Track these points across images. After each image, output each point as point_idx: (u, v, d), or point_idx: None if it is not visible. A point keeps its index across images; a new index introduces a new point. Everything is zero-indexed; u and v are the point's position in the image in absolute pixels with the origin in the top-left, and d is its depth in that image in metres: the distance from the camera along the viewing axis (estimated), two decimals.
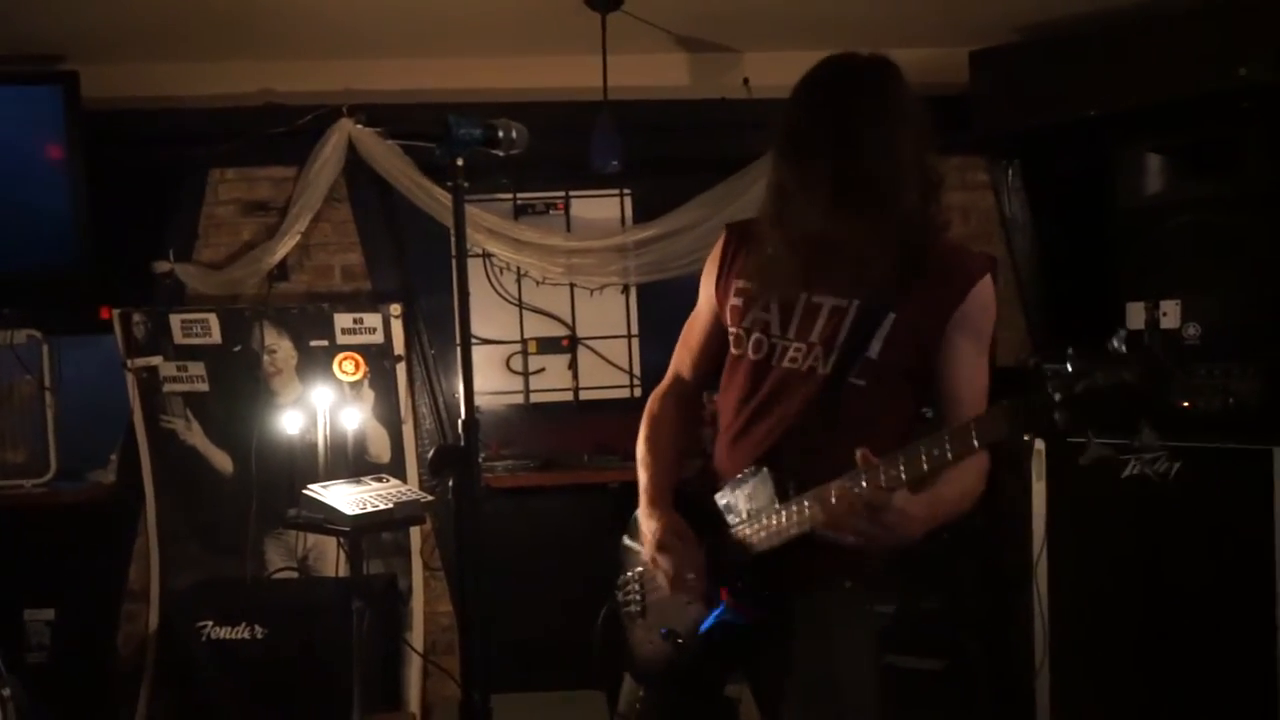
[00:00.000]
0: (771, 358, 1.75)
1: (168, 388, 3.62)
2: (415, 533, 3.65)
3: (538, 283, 3.84)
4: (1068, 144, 3.53)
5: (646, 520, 1.80)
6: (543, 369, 3.88)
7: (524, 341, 3.88)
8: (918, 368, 1.68)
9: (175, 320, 3.59)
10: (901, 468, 1.47)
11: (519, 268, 3.81)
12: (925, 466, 1.45)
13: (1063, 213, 3.65)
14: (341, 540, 3.01)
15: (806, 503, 1.60)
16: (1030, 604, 3.06)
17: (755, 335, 1.77)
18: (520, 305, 3.88)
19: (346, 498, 2.84)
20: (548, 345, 3.87)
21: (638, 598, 1.86)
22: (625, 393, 3.87)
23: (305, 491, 2.88)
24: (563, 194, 3.86)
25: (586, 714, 3.24)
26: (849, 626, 1.73)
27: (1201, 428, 2.80)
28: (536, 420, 3.87)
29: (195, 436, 3.63)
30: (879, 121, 1.60)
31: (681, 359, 1.97)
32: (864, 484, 1.49)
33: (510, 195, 3.84)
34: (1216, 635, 2.76)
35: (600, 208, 3.86)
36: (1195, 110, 3.09)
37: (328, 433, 3.22)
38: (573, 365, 3.88)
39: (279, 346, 3.63)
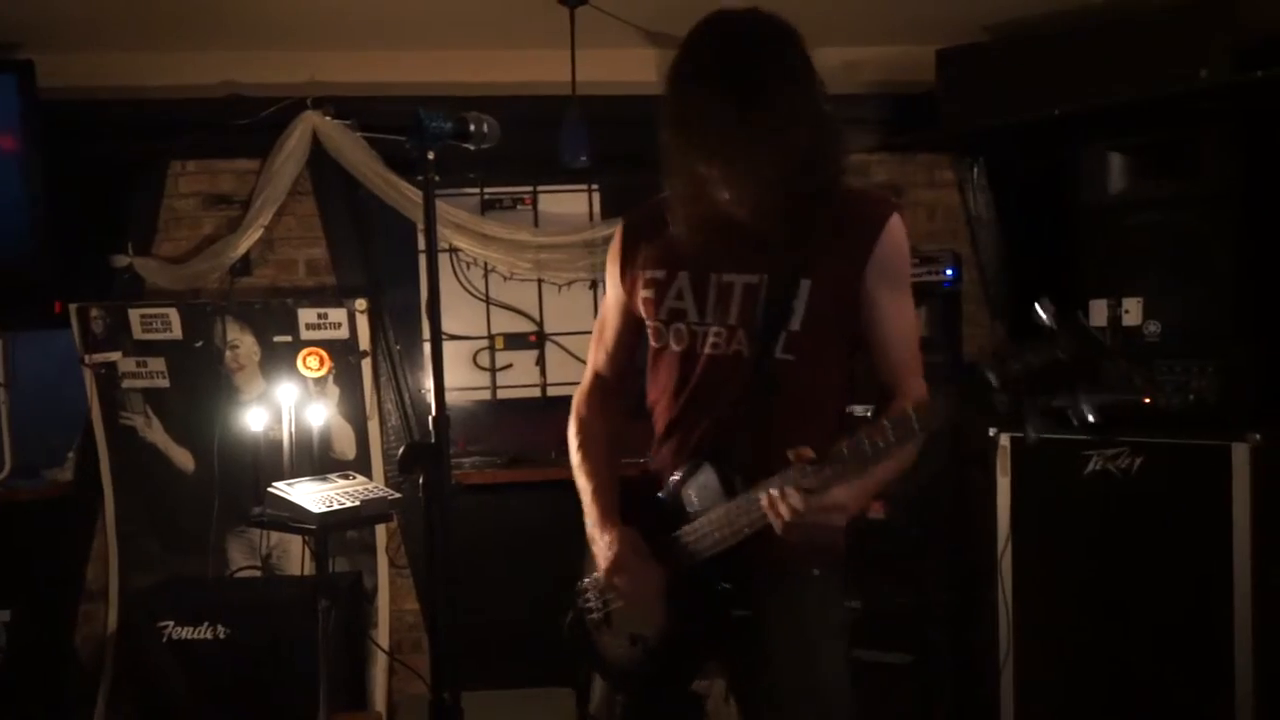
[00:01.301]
0: (695, 345, 1.72)
1: (127, 384, 3.56)
2: (381, 530, 3.62)
3: (505, 278, 3.82)
4: (1032, 143, 3.56)
5: (599, 538, 1.76)
6: (510, 365, 3.85)
7: (491, 337, 3.85)
8: (844, 328, 1.66)
9: (134, 315, 3.53)
10: (843, 463, 1.48)
11: (486, 263, 3.78)
12: (867, 462, 1.46)
13: (1027, 211, 3.69)
14: (307, 539, 2.97)
15: (753, 498, 1.58)
16: (995, 598, 3.09)
17: (675, 325, 1.73)
18: (487, 301, 3.85)
19: (312, 495, 2.81)
20: (515, 341, 3.85)
21: (599, 605, 1.84)
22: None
23: (270, 489, 2.84)
24: (531, 189, 3.84)
25: (556, 711, 3.23)
26: (822, 615, 1.72)
27: (1162, 424, 2.85)
28: (504, 416, 3.85)
29: (155, 433, 3.57)
30: (767, 77, 1.51)
31: (598, 357, 1.93)
32: (799, 483, 1.50)
33: (477, 190, 3.81)
34: (1177, 628, 2.80)
35: (568, 203, 3.84)
36: (1157, 111, 3.13)
37: (293, 430, 3.17)
38: (540, 361, 3.86)
39: (241, 342, 3.58)
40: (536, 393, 3.85)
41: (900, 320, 1.67)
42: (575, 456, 1.86)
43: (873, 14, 3.38)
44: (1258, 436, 2.69)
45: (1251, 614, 2.68)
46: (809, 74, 1.56)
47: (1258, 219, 3.18)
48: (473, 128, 1.66)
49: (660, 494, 1.76)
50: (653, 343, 1.79)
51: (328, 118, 3.42)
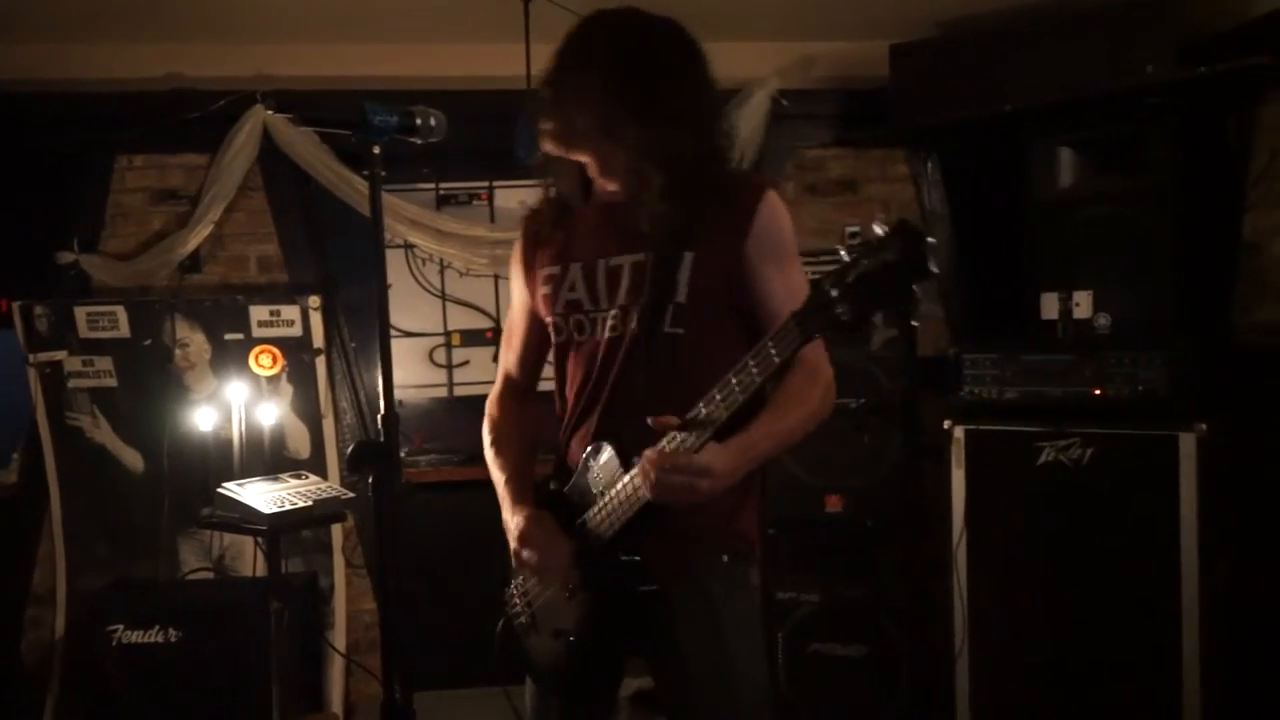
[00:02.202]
0: (593, 333, 1.74)
1: (73, 383, 3.48)
2: (337, 530, 3.58)
3: (461, 274, 3.79)
4: (984, 138, 3.59)
5: (509, 518, 1.79)
6: (466, 361, 3.83)
7: (447, 334, 3.82)
8: (731, 300, 1.67)
9: (80, 313, 3.45)
10: (704, 415, 1.49)
11: (442, 259, 3.75)
12: (739, 396, 1.45)
13: (980, 205, 3.72)
14: (259, 540, 2.93)
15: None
16: (951, 590, 3.12)
17: (574, 317, 1.77)
18: (443, 297, 3.82)
19: (264, 496, 2.77)
20: (472, 337, 3.82)
21: (525, 607, 1.85)
22: (550, 384, 3.84)
23: (220, 490, 2.79)
24: (487, 184, 3.81)
25: (513, 710, 3.21)
26: (731, 601, 1.72)
27: (1112, 415, 2.90)
28: (461, 413, 3.82)
29: (103, 434, 3.49)
30: (636, 70, 1.61)
31: (508, 360, 1.98)
32: (663, 448, 1.51)
33: (432, 185, 3.78)
34: (1127, 615, 2.85)
35: (524, 197, 3.81)
36: (1105, 106, 3.17)
37: (243, 429, 3.12)
38: (498, 358, 3.82)
39: (191, 340, 3.52)
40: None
41: (789, 293, 1.63)
42: (488, 454, 1.89)
43: (827, 10, 3.39)
44: (1204, 426, 2.75)
45: (1199, 599, 2.73)
46: (690, 67, 1.66)
47: (1202, 212, 3.25)
48: (419, 122, 1.64)
49: (566, 487, 1.78)
50: (555, 338, 1.82)
51: (268, 112, 3.37)
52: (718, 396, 1.48)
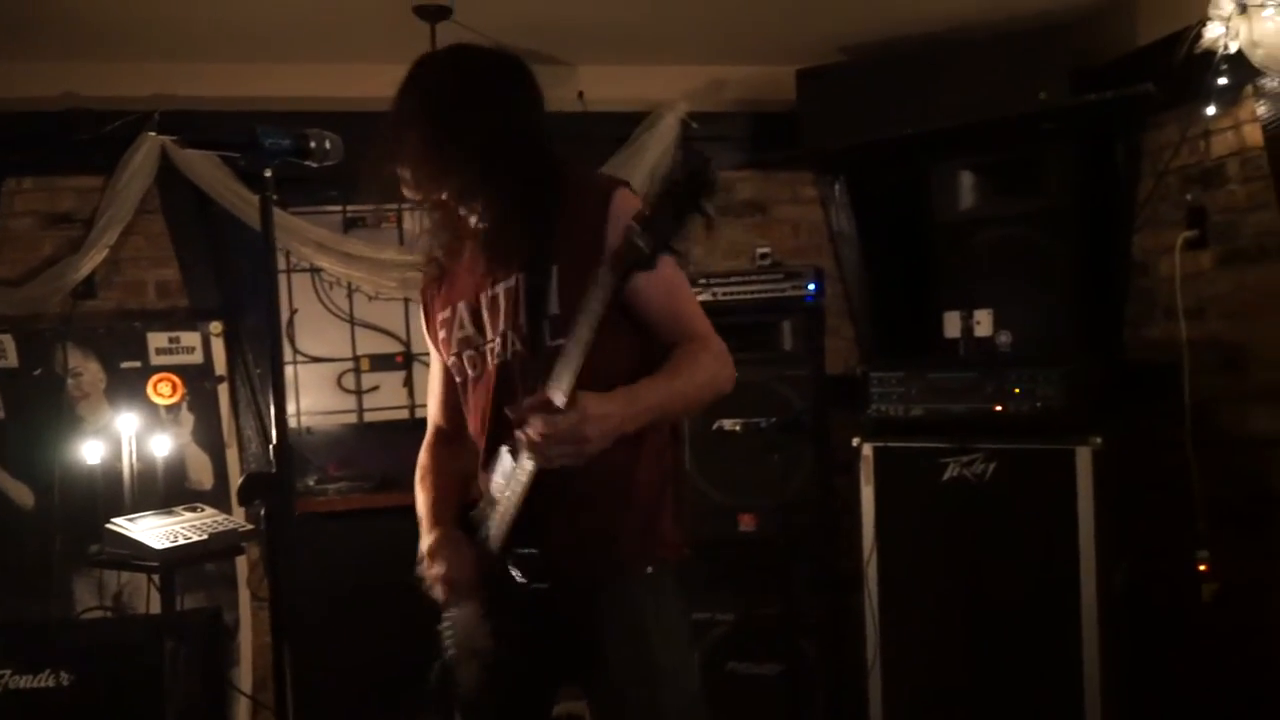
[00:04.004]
0: (485, 364, 1.78)
1: None
2: (242, 563, 3.47)
3: (370, 298, 3.73)
4: (889, 161, 3.68)
5: (423, 539, 1.81)
6: (377, 387, 3.76)
7: (356, 359, 3.75)
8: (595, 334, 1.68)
9: None
10: (564, 373, 1.51)
11: (350, 282, 3.68)
12: (578, 352, 1.49)
13: (886, 226, 3.81)
14: (152, 576, 2.82)
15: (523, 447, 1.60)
16: (863, 605, 3.16)
17: (467, 354, 1.81)
18: (352, 321, 3.75)
19: (155, 531, 2.67)
20: (381, 362, 3.76)
21: (452, 642, 1.83)
22: None
23: (109, 526, 2.68)
24: (395, 207, 3.75)
25: None
26: (660, 612, 1.73)
27: (1013, 430, 2.98)
28: (371, 440, 3.75)
29: None
30: (446, 113, 1.67)
31: (433, 411, 2.01)
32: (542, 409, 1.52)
33: (340, 208, 3.71)
34: (1030, 625, 2.92)
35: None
36: (1003, 130, 3.28)
37: (134, 461, 3.01)
38: (408, 382, 3.77)
39: (85, 369, 3.38)
40: (405, 414, 3.77)
41: (659, 285, 1.66)
42: (417, 491, 1.92)
43: (734, 35, 3.44)
44: (1098, 440, 2.83)
45: (1097, 608, 2.81)
46: (506, 92, 1.71)
47: (1095, 233, 3.37)
48: (313, 144, 1.61)
49: (474, 511, 1.79)
50: (456, 378, 1.85)
51: (149, 133, 3.27)
52: (560, 365, 1.52)
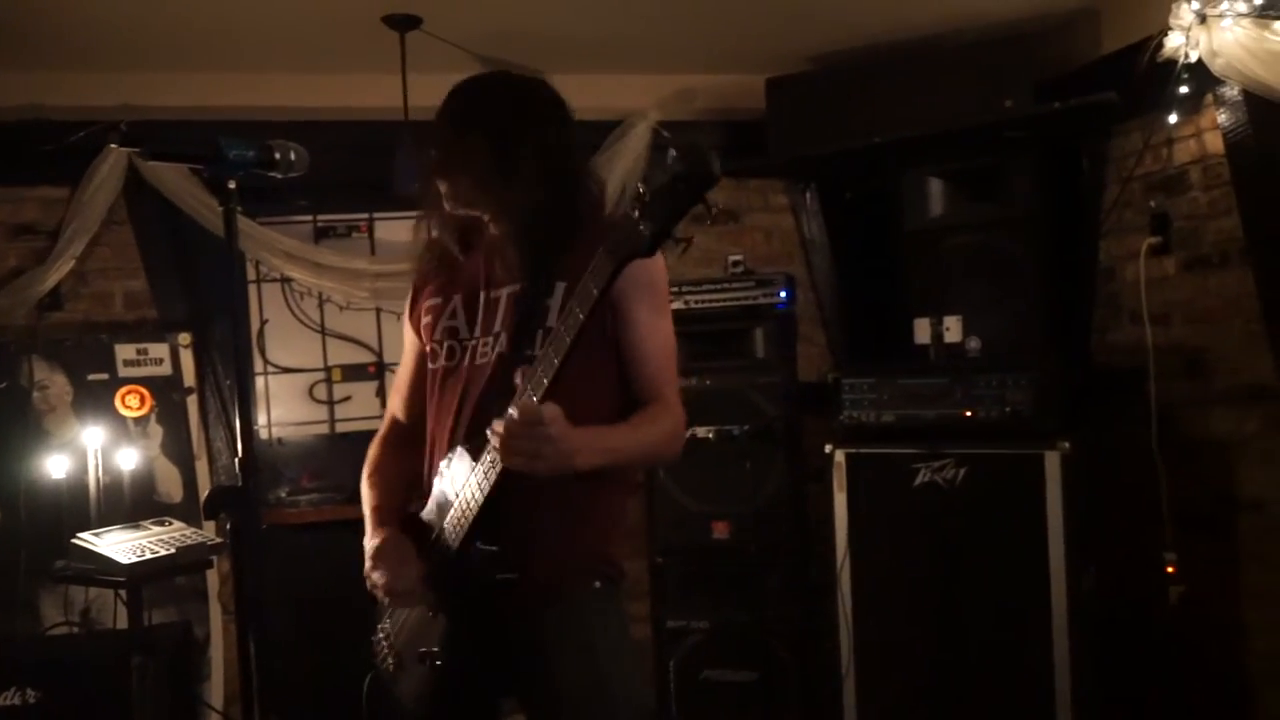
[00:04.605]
0: (463, 360, 1.79)
1: None
2: (213, 576, 3.43)
3: (341, 308, 3.71)
4: (860, 168, 3.71)
5: (367, 542, 1.80)
6: (349, 397, 3.74)
7: (328, 369, 3.73)
8: (600, 330, 1.70)
9: None
10: (551, 356, 1.52)
11: (321, 293, 3.66)
12: (567, 339, 1.50)
13: (856, 234, 3.84)
14: (119, 591, 2.78)
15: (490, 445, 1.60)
16: (836, 611, 3.17)
17: (448, 343, 1.82)
18: (323, 331, 3.73)
19: (122, 545, 2.63)
20: (353, 372, 3.74)
21: (389, 649, 1.83)
22: None
23: (74, 540, 2.65)
24: (366, 216, 3.74)
25: None
26: (606, 626, 1.74)
27: (983, 435, 3.00)
28: (344, 450, 3.73)
29: None
30: (514, 130, 1.73)
31: (394, 403, 2.01)
32: (513, 406, 1.54)
33: (310, 218, 3.69)
34: (1002, 628, 2.94)
35: (406, 230, 3.69)
36: (970, 139, 3.31)
37: (100, 474, 2.97)
38: (380, 392, 3.75)
39: (52, 382, 3.34)
40: (378, 425, 3.71)
41: (656, 337, 1.74)
42: (362, 488, 1.92)
43: (703, 44, 3.45)
44: (1067, 444, 2.86)
45: (1067, 610, 2.84)
46: (561, 121, 1.79)
47: (1062, 240, 3.41)
48: (278, 155, 1.60)
49: (424, 510, 1.79)
50: (429, 365, 1.85)
51: (112, 145, 3.24)
52: (550, 348, 1.53)
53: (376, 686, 1.84)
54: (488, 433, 1.57)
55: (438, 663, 1.71)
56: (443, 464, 1.75)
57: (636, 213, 1.41)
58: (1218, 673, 3.05)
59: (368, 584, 1.78)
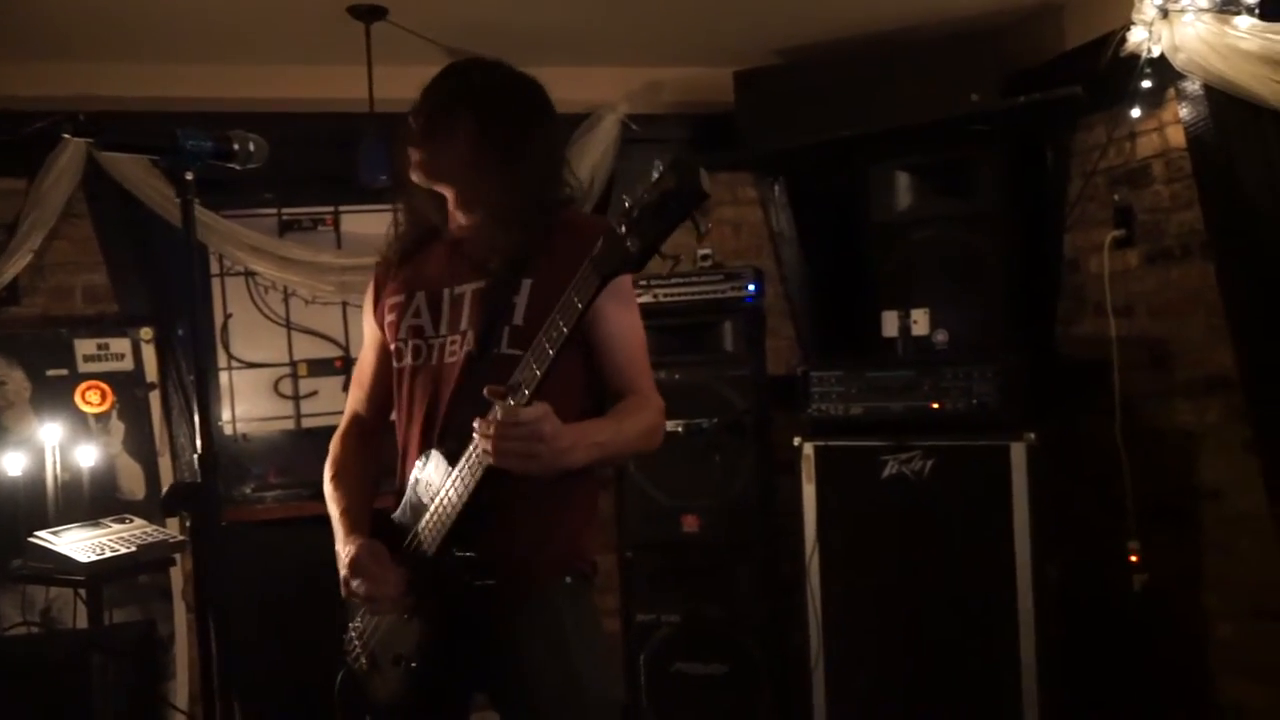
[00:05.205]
0: (430, 358, 1.77)
1: None
2: (177, 573, 3.38)
3: (307, 302, 3.66)
4: (827, 162, 3.71)
5: (341, 552, 1.76)
6: (315, 392, 3.70)
7: (294, 364, 3.69)
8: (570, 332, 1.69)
9: None
10: (521, 378, 1.51)
11: (286, 287, 3.62)
12: (551, 350, 1.49)
13: (825, 227, 3.84)
14: (78, 590, 2.73)
15: (472, 449, 1.59)
16: (806, 604, 3.18)
17: (413, 342, 1.79)
18: (288, 326, 3.68)
19: (81, 543, 2.59)
20: (319, 367, 3.69)
21: (362, 649, 1.80)
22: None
23: (31, 539, 2.60)
24: (332, 209, 3.70)
25: None
26: (578, 621, 1.73)
27: (950, 427, 3.02)
28: (310, 446, 3.68)
29: None
30: (508, 114, 1.73)
31: (355, 398, 1.98)
32: (500, 408, 1.52)
33: (275, 211, 3.64)
34: (968, 617, 2.96)
35: (372, 223, 3.72)
36: (937, 133, 3.32)
37: (58, 472, 2.92)
38: (347, 387, 3.70)
39: (9, 378, 3.27)
40: None
41: (626, 330, 1.74)
42: (327, 489, 1.88)
43: (670, 36, 3.45)
44: (1032, 435, 2.89)
45: (1033, 599, 2.87)
46: (549, 118, 1.79)
47: (1028, 233, 3.44)
48: (236, 147, 1.57)
49: (396, 512, 1.77)
50: (395, 364, 1.83)
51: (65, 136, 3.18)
52: (531, 358, 1.52)
53: (348, 685, 1.81)
54: (474, 434, 1.55)
55: (413, 665, 1.69)
56: (416, 466, 1.72)
57: (624, 228, 1.38)
58: (1180, 659, 3.09)
59: (344, 591, 1.74)
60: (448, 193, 1.79)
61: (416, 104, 1.78)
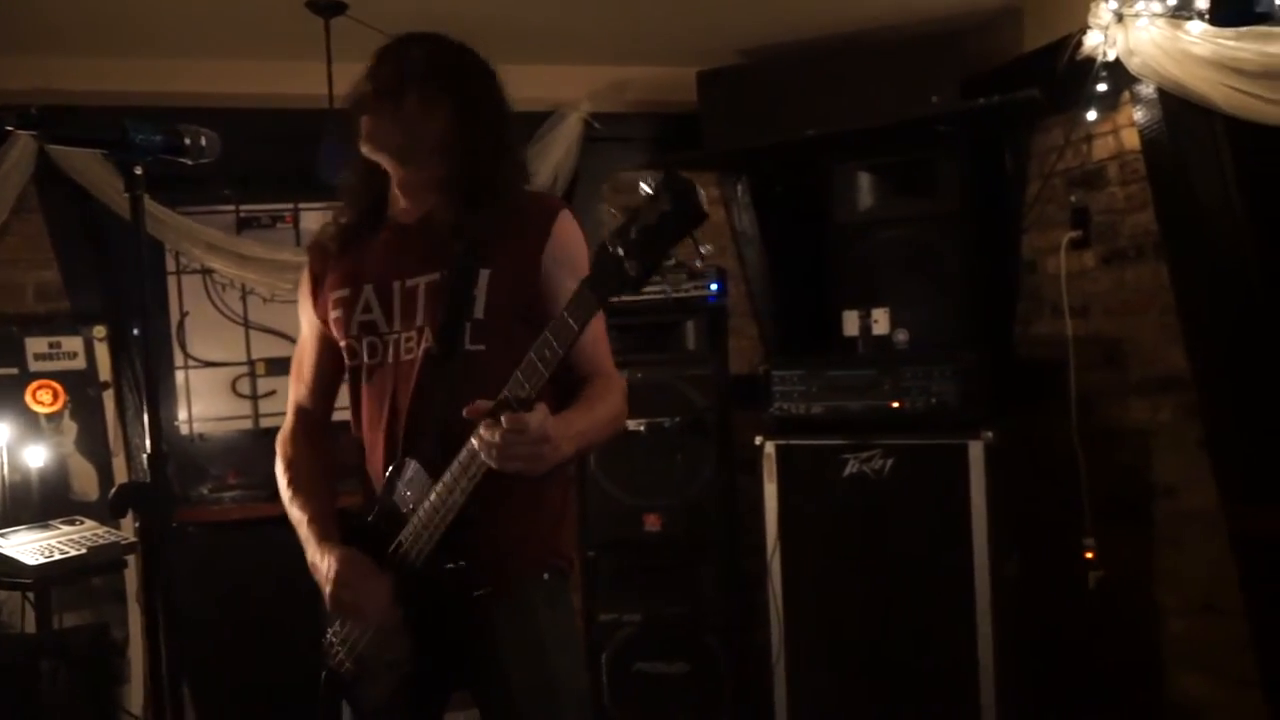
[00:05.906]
0: (386, 356, 1.72)
1: None
2: (131, 575, 3.32)
3: (265, 300, 3.62)
4: (790, 162, 3.73)
5: (317, 560, 1.72)
6: (273, 391, 3.65)
7: (251, 363, 3.64)
8: (530, 316, 1.67)
9: None
10: (511, 397, 1.48)
11: (244, 284, 3.57)
12: (545, 370, 1.47)
13: (787, 227, 3.86)
14: (26, 594, 2.68)
15: (460, 462, 1.56)
16: (767, 602, 3.19)
17: (367, 339, 1.74)
18: (246, 324, 3.64)
19: (29, 546, 2.54)
20: (278, 366, 3.65)
21: (347, 653, 1.77)
22: (344, 414, 3.73)
23: None
24: (291, 206, 3.66)
25: None
26: (555, 618, 1.73)
27: (909, 426, 3.05)
28: (268, 446, 3.59)
29: None
30: (454, 89, 1.69)
31: (299, 393, 1.92)
32: (501, 419, 1.49)
33: (233, 208, 3.60)
34: (927, 613, 2.99)
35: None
36: (899, 133, 3.35)
37: (6, 473, 2.86)
38: None
39: None
40: None
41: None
42: (285, 495, 1.82)
43: (634, 35, 3.45)
44: (990, 434, 2.92)
45: (990, 595, 2.90)
46: (497, 93, 1.75)
47: (987, 233, 3.47)
48: (188, 141, 1.54)
49: (372, 516, 1.72)
50: (348, 362, 1.78)
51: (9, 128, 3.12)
52: (521, 376, 1.49)
53: (331, 687, 1.78)
54: (472, 441, 1.51)
55: (407, 669, 1.68)
56: (391, 473, 1.68)
57: (621, 250, 1.36)
58: (1133, 654, 3.14)
59: (329, 604, 1.71)
60: (394, 170, 1.72)
61: (369, 68, 1.71)
